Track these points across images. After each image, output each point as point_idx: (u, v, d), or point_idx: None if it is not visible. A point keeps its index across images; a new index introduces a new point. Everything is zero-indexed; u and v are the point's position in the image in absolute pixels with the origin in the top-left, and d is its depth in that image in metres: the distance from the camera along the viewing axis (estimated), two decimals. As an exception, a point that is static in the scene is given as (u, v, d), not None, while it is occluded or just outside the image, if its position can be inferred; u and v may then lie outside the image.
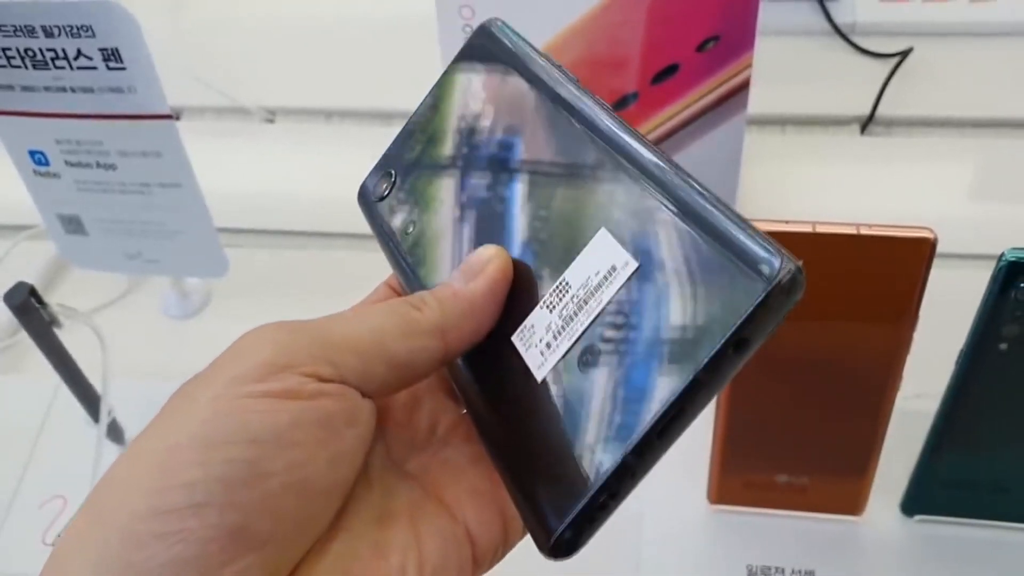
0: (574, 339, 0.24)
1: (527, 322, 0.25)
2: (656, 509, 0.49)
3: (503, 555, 0.27)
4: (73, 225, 0.57)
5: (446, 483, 0.27)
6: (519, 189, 0.28)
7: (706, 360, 0.21)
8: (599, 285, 0.24)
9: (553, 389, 0.24)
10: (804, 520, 0.48)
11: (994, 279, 0.37)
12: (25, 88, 0.50)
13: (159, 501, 0.21)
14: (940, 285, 0.38)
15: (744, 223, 0.22)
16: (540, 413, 0.24)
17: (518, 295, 0.26)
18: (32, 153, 0.53)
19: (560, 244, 0.26)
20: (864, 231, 0.36)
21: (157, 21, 0.85)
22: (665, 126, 0.61)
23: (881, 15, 0.78)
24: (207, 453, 0.22)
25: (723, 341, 0.21)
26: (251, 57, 0.83)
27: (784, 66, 0.71)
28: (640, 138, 0.25)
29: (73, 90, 0.49)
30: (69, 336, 0.49)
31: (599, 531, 0.23)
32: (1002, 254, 0.36)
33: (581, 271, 0.25)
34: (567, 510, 0.23)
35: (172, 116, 0.50)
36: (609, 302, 0.23)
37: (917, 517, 0.48)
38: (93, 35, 0.46)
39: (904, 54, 0.76)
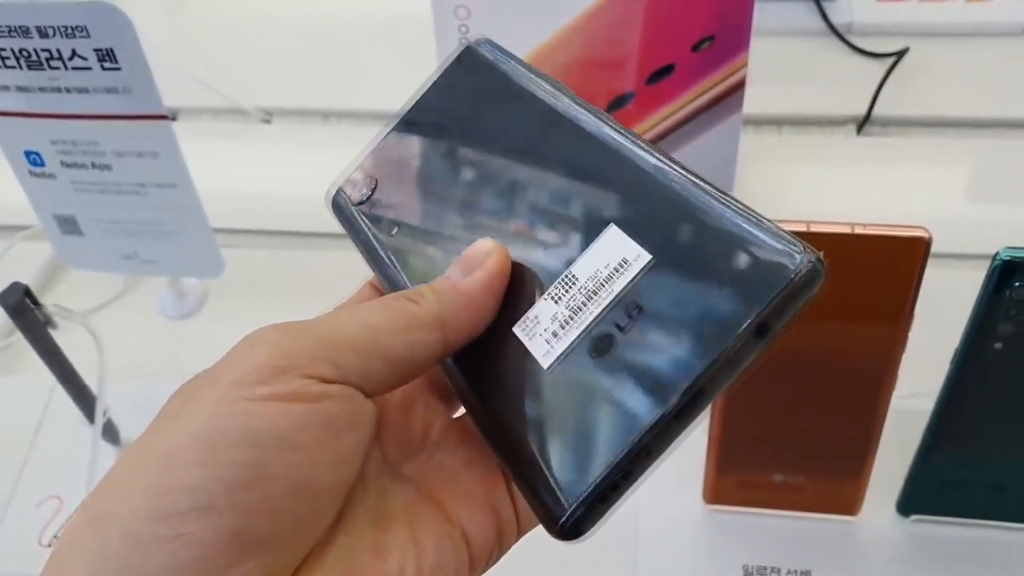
0: (584, 327, 0.24)
1: (530, 313, 0.26)
2: (652, 509, 0.49)
3: (498, 558, 0.27)
4: (69, 226, 0.57)
5: (441, 486, 0.27)
6: (514, 189, 0.28)
7: (729, 341, 0.22)
8: (609, 277, 0.24)
9: (562, 376, 0.24)
10: (800, 520, 0.48)
11: (989, 278, 0.37)
12: (20, 89, 0.50)
13: (161, 503, 0.21)
14: (935, 284, 0.38)
15: (760, 216, 0.23)
16: (548, 399, 0.25)
17: (514, 292, 0.27)
18: (28, 154, 0.53)
19: (560, 243, 0.26)
20: (859, 230, 0.36)
21: (153, 21, 0.85)
22: (661, 126, 0.61)
23: (877, 15, 0.78)
24: (210, 455, 0.22)
25: (747, 324, 0.22)
26: (248, 57, 0.83)
27: (780, 66, 0.72)
28: (642, 141, 0.26)
29: (68, 91, 0.49)
30: (65, 336, 0.49)
31: (607, 522, 0.23)
32: (997, 253, 0.36)
33: (589, 265, 0.25)
34: (580, 489, 0.23)
35: (168, 116, 0.50)
36: (622, 292, 0.24)
37: (913, 517, 0.48)
38: (88, 36, 0.46)
39: (900, 54, 0.76)
